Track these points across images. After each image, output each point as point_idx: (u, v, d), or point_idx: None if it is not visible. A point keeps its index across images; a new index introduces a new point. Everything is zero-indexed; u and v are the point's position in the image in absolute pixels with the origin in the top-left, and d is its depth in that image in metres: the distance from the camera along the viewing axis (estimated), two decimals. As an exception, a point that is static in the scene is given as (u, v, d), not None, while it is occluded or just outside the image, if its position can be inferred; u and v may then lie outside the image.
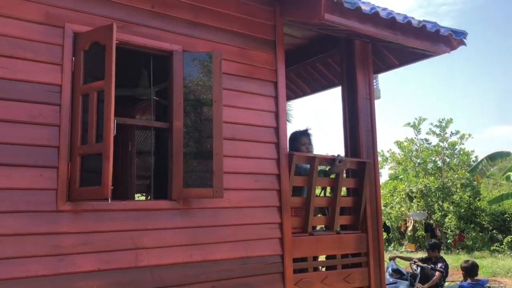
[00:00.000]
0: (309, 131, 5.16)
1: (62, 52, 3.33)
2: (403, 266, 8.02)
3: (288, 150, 4.44)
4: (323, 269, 4.92)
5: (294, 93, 6.90)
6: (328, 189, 5.15)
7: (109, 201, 3.22)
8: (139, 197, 9.81)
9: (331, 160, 4.74)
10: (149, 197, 8.29)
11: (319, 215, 5.04)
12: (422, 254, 13.23)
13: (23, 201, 3.07)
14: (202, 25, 4.05)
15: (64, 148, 3.25)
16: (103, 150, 3.15)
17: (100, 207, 3.35)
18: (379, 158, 16.10)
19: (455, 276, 11.14)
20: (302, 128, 5.17)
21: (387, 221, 21.18)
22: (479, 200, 20.69)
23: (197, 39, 4.00)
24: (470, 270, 6.55)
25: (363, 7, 4.26)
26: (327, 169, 4.99)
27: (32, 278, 3.01)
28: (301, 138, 4.99)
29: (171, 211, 3.69)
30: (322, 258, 5.03)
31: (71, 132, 3.30)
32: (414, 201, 20.99)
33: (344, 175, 4.94)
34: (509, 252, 17.61)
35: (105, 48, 3.25)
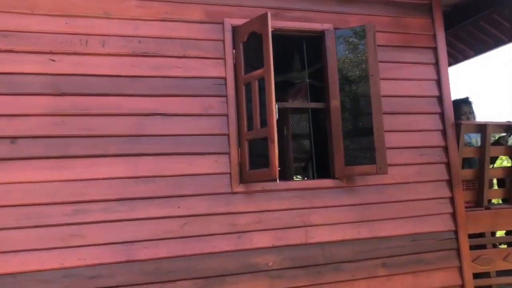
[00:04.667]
0: (470, 99, 4.77)
1: (224, 46, 3.59)
2: None
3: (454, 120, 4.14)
4: (504, 246, 4.51)
5: (454, 58, 6.35)
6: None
7: (278, 182, 3.40)
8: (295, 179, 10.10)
9: (507, 127, 4.28)
10: (305, 179, 8.51)
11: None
12: None
13: (204, 185, 3.41)
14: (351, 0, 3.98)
15: (233, 135, 3.52)
16: (268, 134, 3.33)
17: (269, 187, 3.56)
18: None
19: None
20: (461, 96, 4.81)
21: None
22: None
23: (348, 14, 3.95)
24: None
25: None
26: (496, 138, 4.55)
27: (219, 253, 3.35)
28: (461, 107, 4.64)
29: (335, 189, 3.75)
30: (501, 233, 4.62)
31: (237, 120, 3.56)
32: None
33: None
34: None
35: (261, 37, 3.41)
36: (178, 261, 3.27)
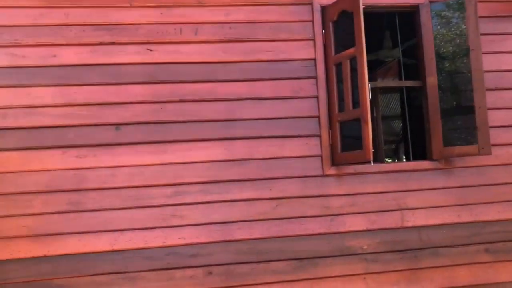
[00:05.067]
0: None
1: (313, 27, 3.54)
2: None
3: None
4: None
5: None
6: None
7: (371, 164, 3.32)
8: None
9: None
10: (396, 161, 8.25)
11: None
12: None
13: (295, 167, 3.43)
14: (448, -31, 3.73)
15: (324, 117, 3.49)
16: (361, 115, 3.25)
17: (362, 170, 3.49)
18: None
19: None
20: None
21: None
22: None
23: (444, -14, 3.71)
24: None
25: None
26: None
27: (311, 236, 3.37)
28: None
29: (433, 171, 3.58)
30: None
31: (328, 101, 3.51)
32: None
33: None
34: None
35: (352, 16, 3.31)
36: (271, 242, 3.34)
